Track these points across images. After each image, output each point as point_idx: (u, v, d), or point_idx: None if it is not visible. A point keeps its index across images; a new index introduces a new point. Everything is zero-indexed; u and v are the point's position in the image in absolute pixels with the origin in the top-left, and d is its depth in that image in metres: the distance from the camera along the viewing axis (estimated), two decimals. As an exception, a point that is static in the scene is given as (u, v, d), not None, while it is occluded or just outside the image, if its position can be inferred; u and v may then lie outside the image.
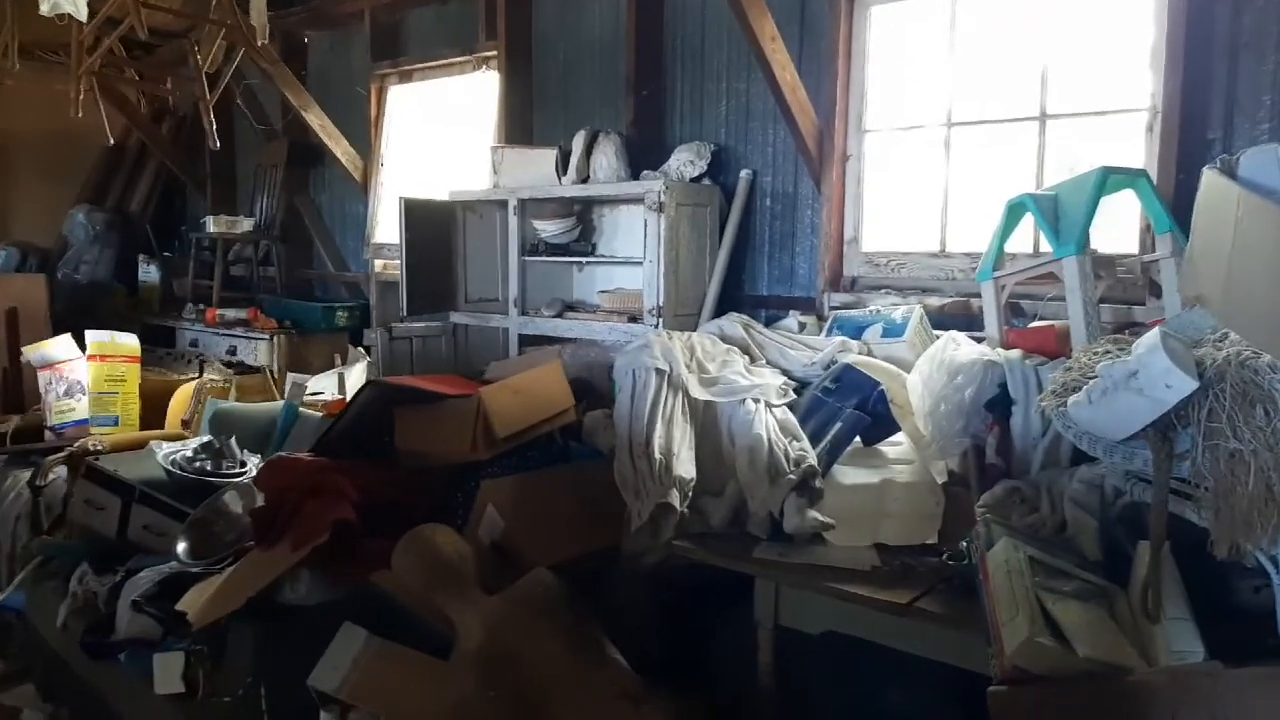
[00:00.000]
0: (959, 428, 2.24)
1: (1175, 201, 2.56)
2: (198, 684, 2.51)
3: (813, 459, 2.31)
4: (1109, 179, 2.41)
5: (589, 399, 3.13)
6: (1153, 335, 1.61)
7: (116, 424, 4.16)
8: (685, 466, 2.38)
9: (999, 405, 2.19)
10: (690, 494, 2.37)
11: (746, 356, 2.87)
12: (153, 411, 4.30)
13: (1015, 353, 2.30)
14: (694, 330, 3.16)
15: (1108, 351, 1.78)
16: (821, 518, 2.20)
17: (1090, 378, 1.68)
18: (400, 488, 2.72)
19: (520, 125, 4.45)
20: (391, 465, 2.81)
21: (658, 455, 2.37)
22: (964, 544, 1.95)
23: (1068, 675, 1.54)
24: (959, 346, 2.42)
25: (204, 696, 2.48)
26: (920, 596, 2.03)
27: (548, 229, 3.95)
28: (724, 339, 2.96)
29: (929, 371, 2.46)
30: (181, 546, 2.91)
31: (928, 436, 2.35)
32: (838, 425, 2.43)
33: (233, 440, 3.44)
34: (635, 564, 2.40)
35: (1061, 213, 2.43)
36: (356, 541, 2.53)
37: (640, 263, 3.57)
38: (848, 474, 2.36)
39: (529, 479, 2.66)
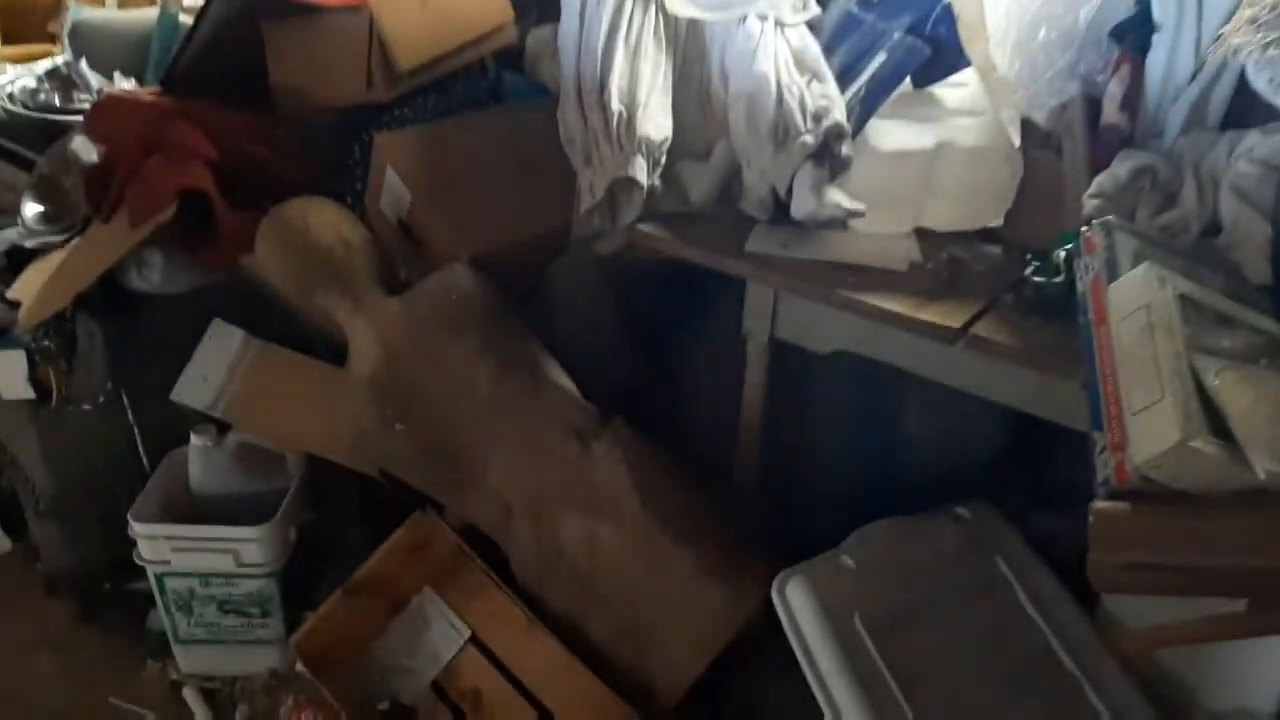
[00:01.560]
0: (1063, 65, 1.49)
1: None
2: (50, 389, 2.01)
3: (840, 111, 1.59)
4: None
5: (540, 6, 2.30)
6: None
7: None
8: (655, 122, 1.66)
9: (1134, 32, 1.43)
10: (662, 159, 1.68)
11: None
12: (14, 19, 3.44)
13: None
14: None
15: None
16: (847, 202, 1.53)
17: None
18: (276, 141, 2.02)
19: None
20: (265, 109, 2.08)
21: (616, 106, 1.64)
22: (1059, 252, 1.31)
23: (1225, 494, 0.98)
24: (1073, -65, 1.59)
25: (59, 404, 1.99)
26: (978, 317, 1.43)
27: None
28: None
29: (1021, -25, 1.65)
30: (29, 209, 2.27)
31: (1010, 76, 1.59)
32: (879, 58, 1.68)
33: (83, 64, 2.65)
34: (585, 253, 1.77)
35: None
36: (217, 213, 1.89)
37: None
38: (889, 134, 1.64)
39: (442, 130, 1.95)
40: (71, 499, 1.99)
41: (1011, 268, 1.58)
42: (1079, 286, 1.19)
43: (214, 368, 1.84)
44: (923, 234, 1.67)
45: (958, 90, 1.76)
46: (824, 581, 1.45)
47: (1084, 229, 1.24)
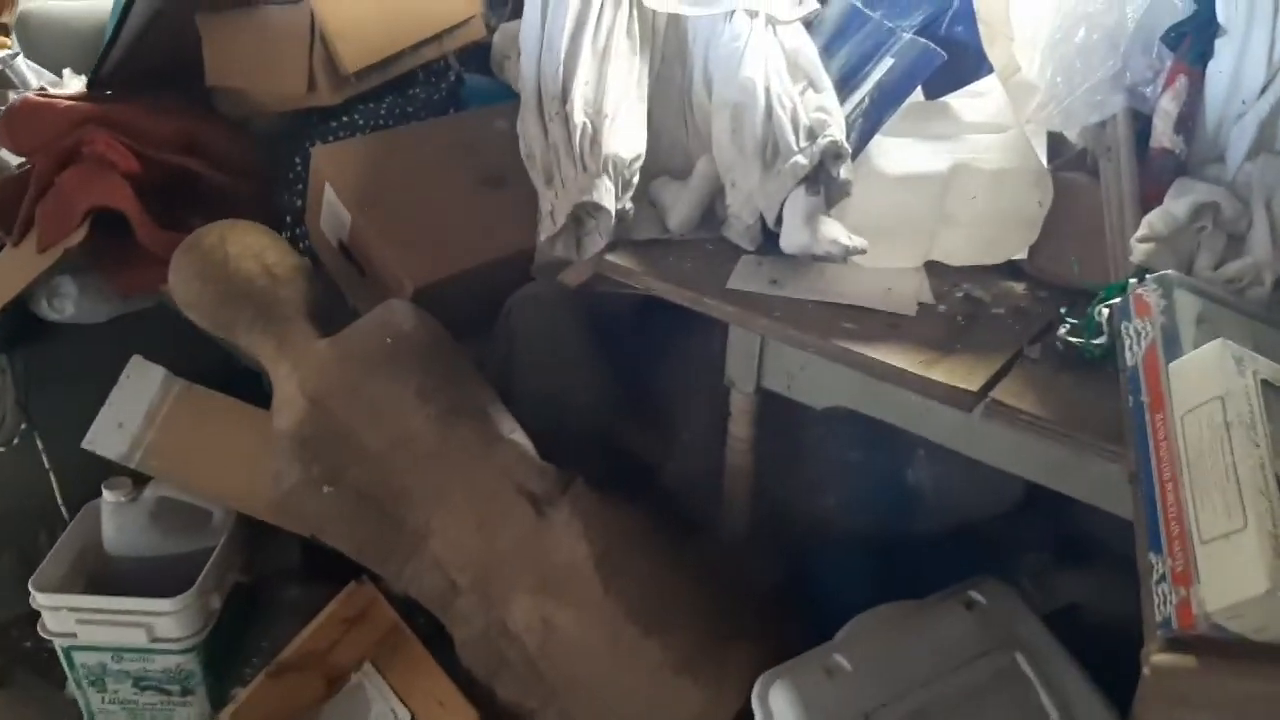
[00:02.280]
0: (1105, 74, 1.25)
1: None
2: (-43, 428, 1.80)
3: (839, 127, 1.36)
4: None
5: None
6: None
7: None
8: (625, 136, 1.43)
9: (1192, 35, 1.19)
10: (634, 180, 1.46)
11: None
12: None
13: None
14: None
15: None
16: (844, 237, 1.30)
17: None
18: (211, 151, 1.80)
19: None
20: (200, 111, 1.86)
21: (579, 118, 1.41)
22: (1100, 309, 1.07)
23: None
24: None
25: (-32, 446, 1.78)
26: (999, 376, 1.21)
27: None
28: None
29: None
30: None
31: (1040, 84, 1.36)
32: (886, 63, 1.44)
33: (20, 60, 2.43)
34: (549, 283, 1.55)
35: None
36: (138, 234, 1.67)
37: None
38: (896, 154, 1.41)
39: (388, 140, 1.73)
40: (-17, 549, 1.79)
41: (1037, 309, 1.36)
42: (1128, 358, 0.96)
43: (131, 412, 1.62)
44: (934, 269, 1.44)
45: (977, 101, 1.52)
46: (813, 686, 1.23)
47: (1133, 283, 1.01)
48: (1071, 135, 1.39)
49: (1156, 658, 0.79)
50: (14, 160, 2.02)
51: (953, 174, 1.37)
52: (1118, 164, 1.19)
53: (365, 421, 1.41)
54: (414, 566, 1.44)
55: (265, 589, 1.76)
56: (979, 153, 1.39)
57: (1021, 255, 1.43)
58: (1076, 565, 1.69)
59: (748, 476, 1.57)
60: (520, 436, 1.44)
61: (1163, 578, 0.82)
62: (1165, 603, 0.81)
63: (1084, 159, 1.38)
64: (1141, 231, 1.08)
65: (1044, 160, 1.41)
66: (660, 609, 1.32)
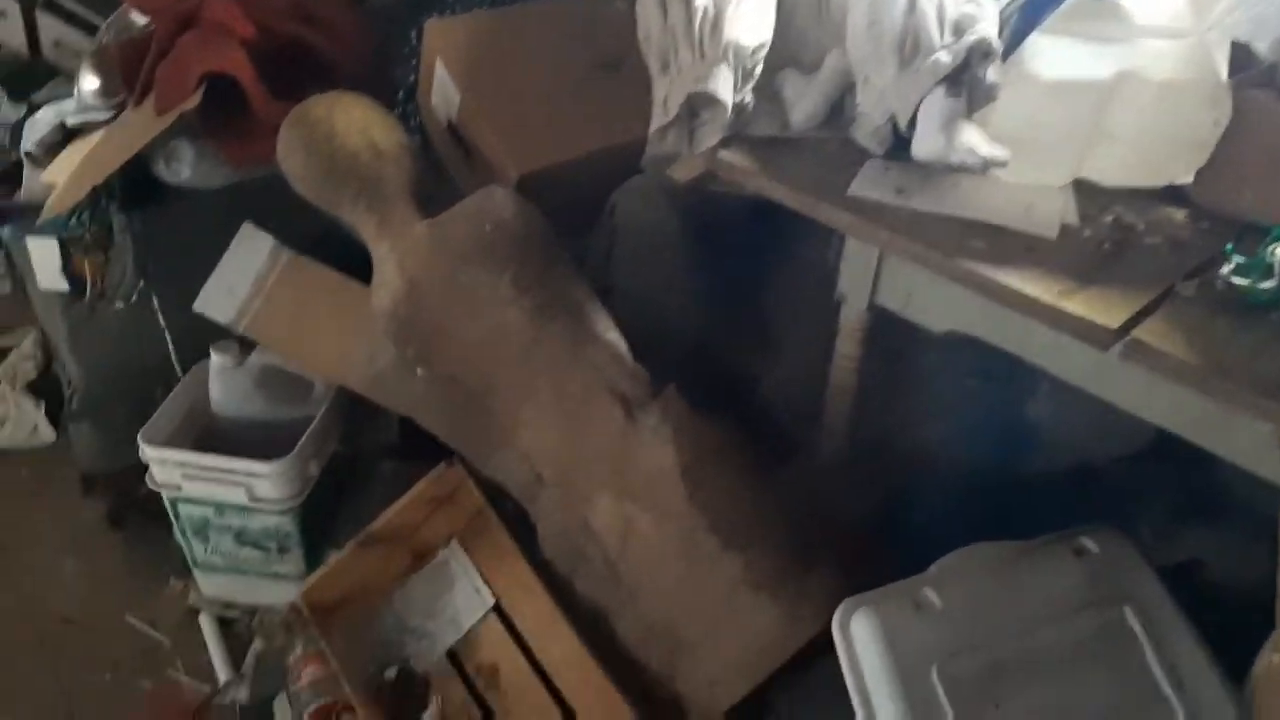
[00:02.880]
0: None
1: None
2: (84, 281, 1.87)
3: (990, 23, 1.22)
4: None
5: None
6: None
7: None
8: (749, 23, 1.32)
9: None
10: (756, 70, 1.35)
11: None
12: None
13: None
14: None
15: None
16: (985, 146, 1.18)
17: None
18: (325, 21, 1.76)
19: None
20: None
21: (700, 2, 1.31)
22: (1273, 248, 0.94)
23: None
24: None
25: (92, 299, 1.85)
26: (1145, 314, 1.09)
27: None
28: None
29: None
30: (86, 82, 2.08)
31: (1232, -15, 1.18)
32: (1052, -49, 1.28)
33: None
34: (658, 178, 1.47)
35: None
36: (252, 102, 1.67)
37: None
38: (1053, 56, 1.25)
39: (504, 18, 1.66)
40: (104, 400, 1.88)
41: (1198, 241, 1.21)
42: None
43: (240, 278, 1.65)
44: (1083, 188, 1.31)
45: (1154, 0, 1.34)
46: (899, 619, 1.18)
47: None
48: (1261, 47, 1.22)
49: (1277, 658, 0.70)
50: (140, 20, 2.04)
51: (1117, 83, 1.22)
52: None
53: (460, 309, 1.38)
54: (502, 456, 1.43)
55: (364, 462, 1.79)
56: (1149, 60, 1.23)
57: (1186, 180, 1.28)
58: (1205, 519, 1.57)
59: (851, 398, 1.49)
60: (615, 336, 1.39)
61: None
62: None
63: (1272, 76, 1.21)
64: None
65: (1224, 74, 1.24)
66: (744, 525, 1.28)
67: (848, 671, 1.17)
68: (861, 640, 1.17)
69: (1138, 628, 1.23)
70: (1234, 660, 1.22)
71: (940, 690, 1.14)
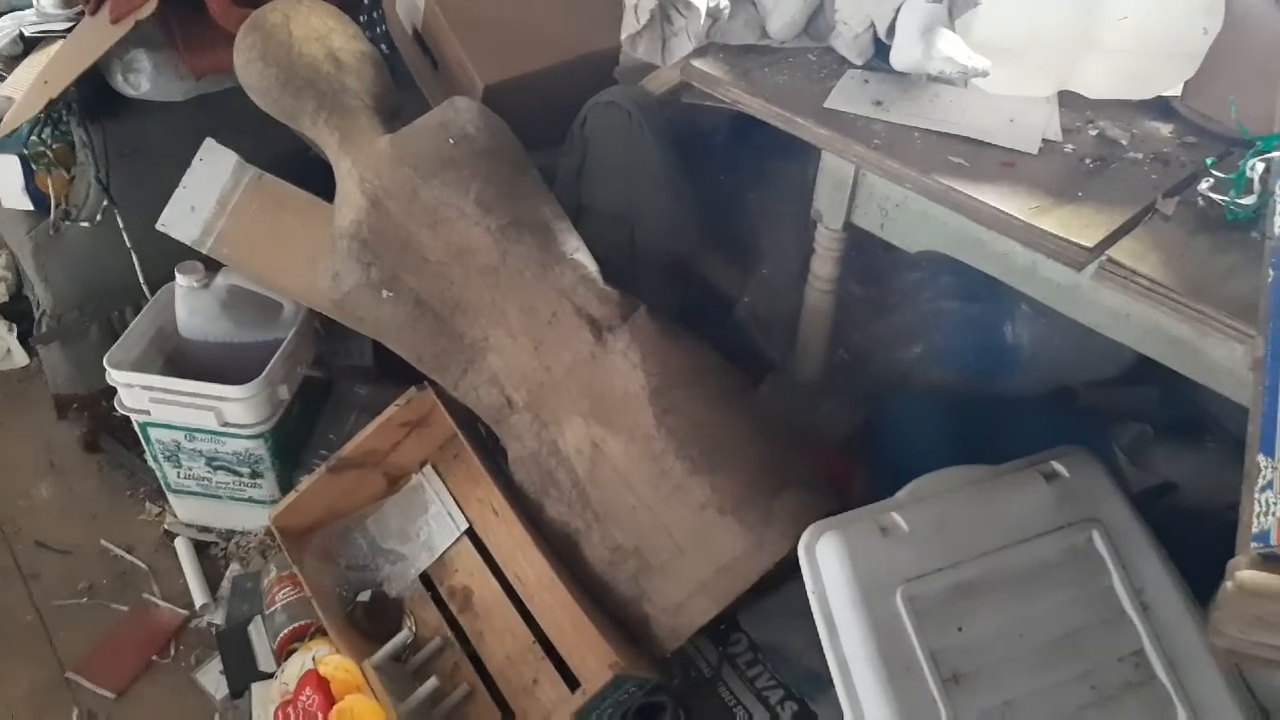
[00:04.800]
0: None
1: None
2: (49, 200, 1.83)
3: (974, -79, 1.15)
4: None
5: None
6: None
7: None
8: (720, -78, 1.25)
9: None
10: (731, -26, 1.29)
11: None
12: None
13: None
14: None
15: None
16: (963, 55, 1.13)
17: None
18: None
19: None
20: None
21: (669, -105, 1.24)
22: (1254, 161, 0.90)
23: None
24: None
25: (57, 218, 1.81)
26: (1122, 232, 1.05)
27: None
28: None
29: None
30: (45, -11, 2.01)
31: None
32: None
33: None
34: (633, 89, 1.42)
35: None
36: (211, 9, 1.59)
37: None
38: (1040, -42, 1.20)
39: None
40: (73, 322, 1.84)
41: (1183, 156, 1.18)
42: (1276, 226, 0.80)
43: (203, 197, 1.60)
44: (1068, 100, 1.26)
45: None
46: (865, 542, 1.17)
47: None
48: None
49: (1243, 574, 0.69)
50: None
51: (1106, -14, 1.16)
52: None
53: (424, 228, 1.34)
54: (471, 378, 1.41)
55: (338, 385, 1.78)
56: (1141, -37, 1.17)
57: (1174, 91, 1.23)
58: (1181, 441, 1.56)
59: (826, 319, 1.47)
60: (584, 257, 1.35)
61: (1269, 484, 0.71)
62: (1267, 513, 0.70)
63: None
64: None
65: (1221, -24, 1.18)
66: (712, 449, 1.27)
67: (812, 595, 1.16)
68: (827, 564, 1.16)
69: (1105, 551, 1.22)
70: (1204, 583, 1.22)
71: (904, 613, 1.13)
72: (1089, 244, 1.03)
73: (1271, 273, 0.80)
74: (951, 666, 1.12)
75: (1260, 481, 0.72)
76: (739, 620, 1.40)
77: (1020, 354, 1.55)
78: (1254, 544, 0.70)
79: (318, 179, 1.63)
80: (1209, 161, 1.01)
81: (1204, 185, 0.97)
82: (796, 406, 1.49)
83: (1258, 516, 0.71)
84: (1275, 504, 0.70)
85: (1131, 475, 1.48)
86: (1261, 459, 0.73)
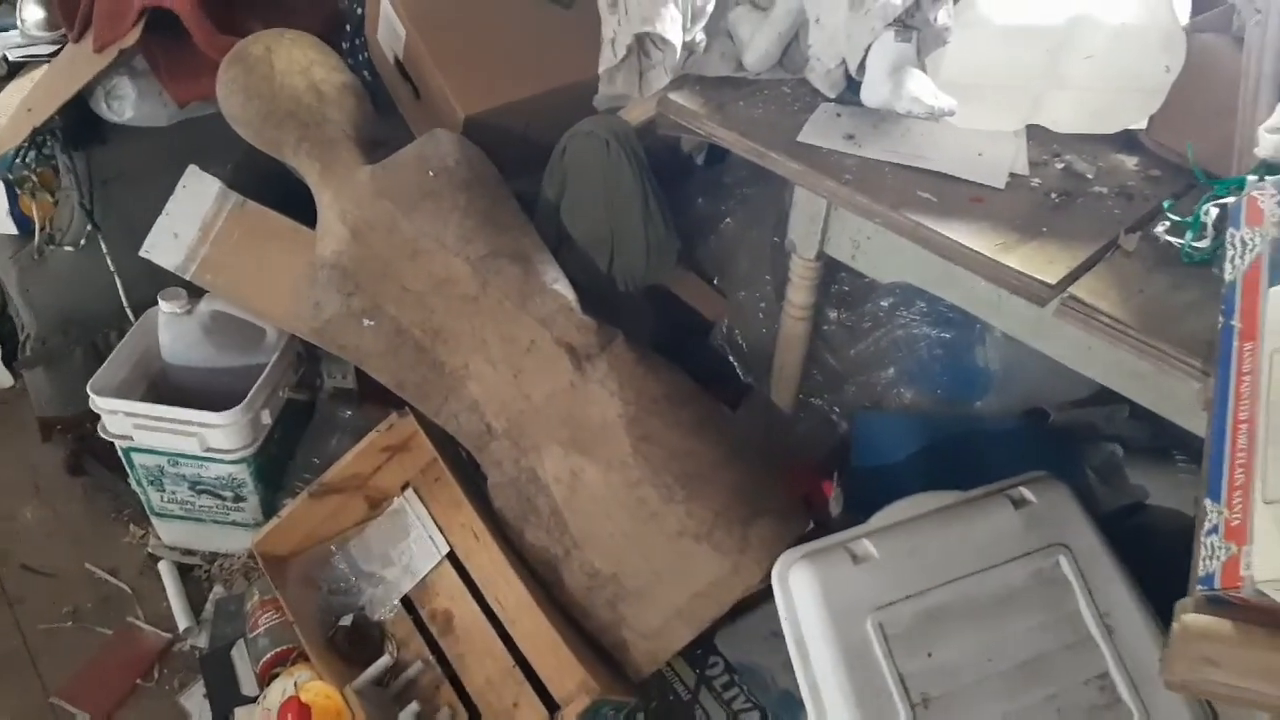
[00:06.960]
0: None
1: None
2: (32, 223, 1.84)
3: (941, -37, 1.18)
4: None
5: None
6: None
7: None
8: (695, -39, 1.28)
9: None
10: (708, 9, 1.32)
11: None
12: None
13: None
14: None
15: None
16: (930, 96, 1.15)
17: None
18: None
19: None
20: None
21: (646, -66, 1.26)
22: (1208, 206, 0.93)
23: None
24: None
25: (41, 242, 1.82)
26: (1085, 268, 1.08)
27: None
28: None
29: None
30: (29, 11, 2.01)
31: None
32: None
33: None
34: (611, 119, 1.44)
35: None
36: (195, 37, 1.61)
37: None
38: (1006, 0, 1.23)
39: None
40: (57, 345, 1.85)
41: (1147, 190, 1.21)
42: (1229, 270, 0.83)
43: (186, 223, 1.61)
44: (1035, 134, 1.29)
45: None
46: (836, 569, 1.19)
47: (1253, 180, 0.86)
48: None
49: (1188, 617, 0.72)
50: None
51: (1070, 27, 1.19)
52: (1265, 31, 1.00)
53: (405, 258, 1.36)
54: (452, 405, 1.43)
55: (322, 406, 1.79)
56: (1103, 4, 1.20)
57: (1140, 125, 1.26)
58: (1151, 461, 1.59)
59: (802, 344, 1.49)
60: (563, 287, 1.37)
61: (1215, 529, 0.73)
62: (1212, 556, 0.72)
63: (1229, 19, 1.19)
64: (1273, 120, 0.92)
65: (1181, 17, 1.21)
66: (687, 477, 1.29)
67: (785, 621, 1.19)
68: (799, 591, 1.19)
69: (1071, 576, 1.25)
70: (1170, 603, 1.25)
71: (874, 638, 1.16)
72: (1052, 280, 1.06)
73: (1222, 319, 0.82)
74: (921, 691, 1.15)
75: (1206, 525, 0.74)
76: (715, 643, 1.42)
77: (992, 376, 1.58)
78: (1199, 587, 0.73)
79: (301, 201, 1.64)
80: (1166, 205, 1.03)
81: (1160, 228, 1.00)
82: (772, 429, 1.52)
83: (1203, 560, 0.73)
84: (1219, 548, 0.72)
85: (1102, 495, 1.52)
86: (1208, 503, 0.75)
